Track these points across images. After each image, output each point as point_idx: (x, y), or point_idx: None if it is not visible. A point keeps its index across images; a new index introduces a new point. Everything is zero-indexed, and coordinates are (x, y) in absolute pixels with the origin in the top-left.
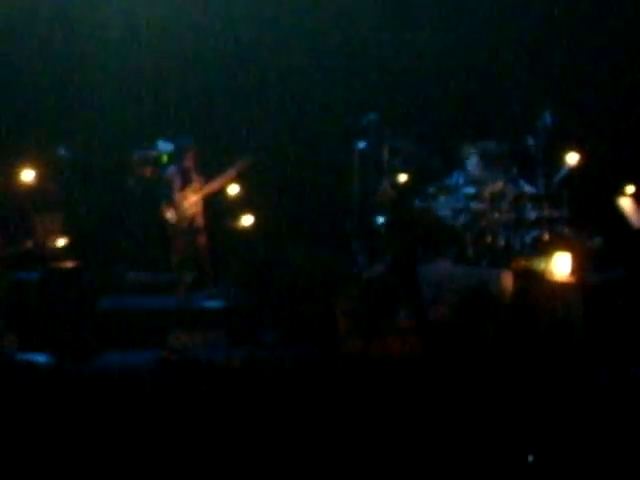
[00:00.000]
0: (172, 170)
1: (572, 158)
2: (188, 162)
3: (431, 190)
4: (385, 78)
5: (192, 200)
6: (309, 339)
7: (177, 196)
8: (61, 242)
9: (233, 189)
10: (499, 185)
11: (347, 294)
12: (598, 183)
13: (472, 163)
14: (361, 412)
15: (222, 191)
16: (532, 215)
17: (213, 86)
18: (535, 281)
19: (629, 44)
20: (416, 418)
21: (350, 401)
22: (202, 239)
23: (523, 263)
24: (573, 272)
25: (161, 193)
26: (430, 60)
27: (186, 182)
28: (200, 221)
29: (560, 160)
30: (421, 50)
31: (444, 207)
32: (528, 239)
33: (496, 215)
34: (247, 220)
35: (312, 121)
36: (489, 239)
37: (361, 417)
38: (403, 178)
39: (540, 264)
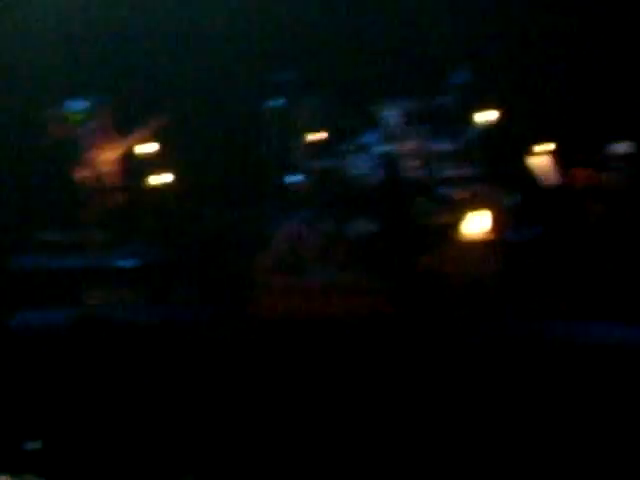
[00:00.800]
0: (86, 128)
1: (487, 116)
2: (103, 120)
3: (345, 148)
4: (300, 37)
5: (107, 158)
6: (224, 297)
7: (91, 154)
8: None
9: (149, 147)
10: (413, 144)
11: (263, 251)
12: (514, 141)
13: (387, 121)
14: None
15: (138, 149)
16: (447, 173)
17: (129, 45)
18: (451, 238)
19: (542, 4)
20: (321, 378)
21: (265, 359)
22: (117, 197)
23: (438, 221)
24: (489, 229)
25: (74, 151)
26: (345, 19)
27: (101, 140)
28: (115, 179)
29: (475, 118)
30: (336, 8)
31: (358, 165)
32: (443, 197)
33: (410, 173)
34: (163, 178)
35: (228, 80)
36: (403, 197)
37: (274, 374)
38: (317, 136)
39: (455, 222)
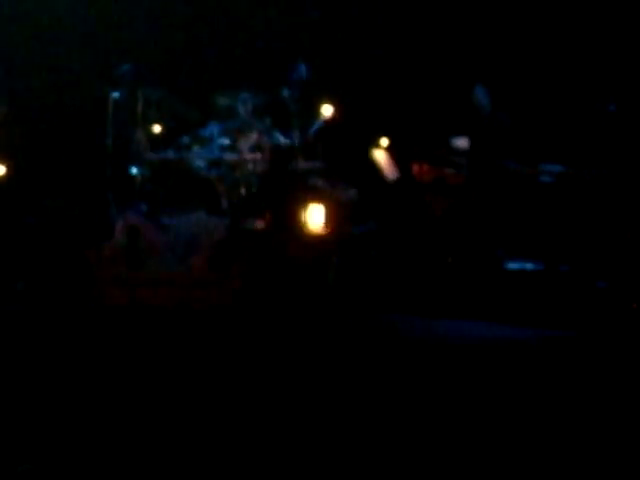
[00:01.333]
0: None
1: (326, 110)
2: None
3: (186, 141)
4: (139, 27)
5: None
6: (63, 289)
7: None
8: None
9: None
10: (254, 137)
11: (104, 243)
12: (353, 135)
13: (229, 114)
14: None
15: None
16: (288, 166)
17: None
18: (288, 233)
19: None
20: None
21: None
22: None
23: (277, 215)
24: (326, 224)
25: None
26: (182, 9)
27: None
28: None
29: (315, 112)
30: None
31: (199, 158)
32: (282, 191)
33: (250, 167)
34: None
35: (66, 70)
36: (243, 191)
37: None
38: (158, 129)
39: (294, 216)
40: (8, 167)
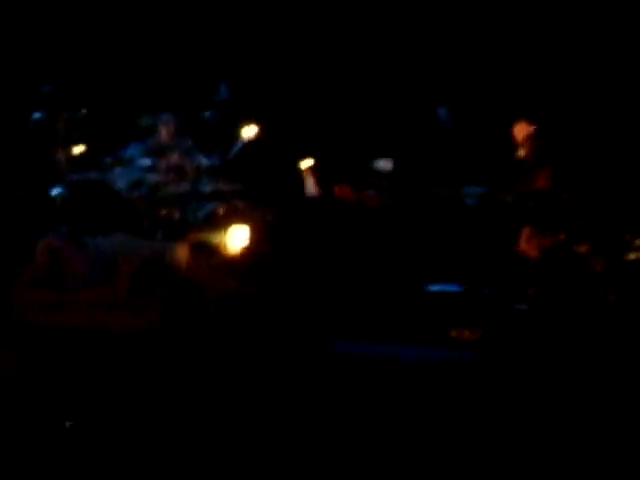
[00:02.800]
0: None
1: (248, 131)
2: None
3: (107, 162)
4: (60, 48)
5: None
6: None
7: None
8: None
9: None
10: (175, 157)
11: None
12: (274, 156)
13: (150, 134)
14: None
15: None
16: (208, 188)
17: None
18: (210, 254)
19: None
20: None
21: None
22: None
23: (198, 236)
24: (247, 245)
25: None
26: (103, 30)
27: None
28: None
29: (237, 133)
30: (97, 19)
31: (120, 179)
32: (203, 212)
33: (172, 188)
34: None
35: None
36: (165, 211)
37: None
38: (78, 149)
39: (215, 237)
40: None
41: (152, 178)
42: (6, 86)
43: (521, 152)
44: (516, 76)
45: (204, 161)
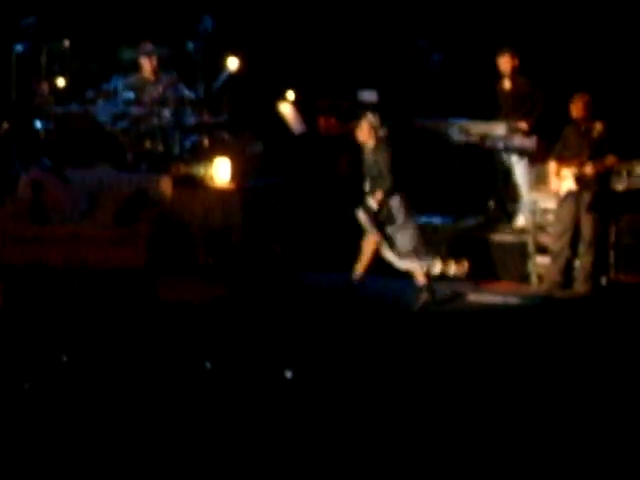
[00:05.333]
0: None
1: (232, 63)
2: None
3: (90, 95)
4: None
5: None
6: None
7: None
8: None
9: None
10: (158, 90)
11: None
12: (258, 89)
13: (133, 67)
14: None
15: None
16: (191, 120)
17: None
18: (194, 186)
19: None
20: None
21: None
22: None
23: (182, 168)
24: (232, 178)
25: None
26: None
27: None
28: None
29: (220, 65)
30: None
31: (103, 112)
32: (187, 144)
33: (155, 120)
34: None
35: None
36: (148, 144)
37: None
38: (61, 82)
39: (199, 170)
40: None
41: (135, 111)
42: None
43: (506, 84)
44: (499, 8)
45: (187, 93)
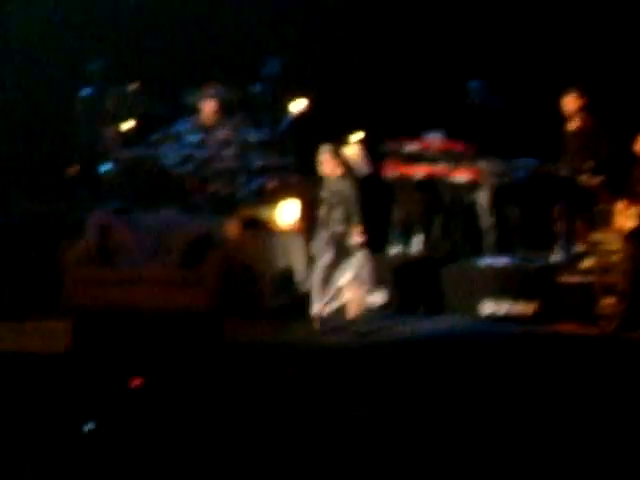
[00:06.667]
0: None
1: (298, 105)
2: None
3: (156, 138)
4: (109, 24)
5: None
6: (37, 292)
7: None
8: None
9: None
10: (225, 132)
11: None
12: (325, 130)
13: (199, 110)
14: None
15: None
16: (257, 163)
17: None
18: (260, 229)
19: None
20: None
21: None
22: None
23: (248, 211)
24: (298, 220)
25: None
26: (151, 6)
27: None
28: None
29: (286, 107)
30: None
31: (169, 155)
32: (253, 187)
33: (220, 163)
34: None
35: (38, 67)
36: (213, 187)
37: None
38: (127, 126)
39: (265, 212)
40: None
41: (201, 154)
42: (56, 63)
43: (572, 124)
44: (561, 48)
45: (253, 135)
